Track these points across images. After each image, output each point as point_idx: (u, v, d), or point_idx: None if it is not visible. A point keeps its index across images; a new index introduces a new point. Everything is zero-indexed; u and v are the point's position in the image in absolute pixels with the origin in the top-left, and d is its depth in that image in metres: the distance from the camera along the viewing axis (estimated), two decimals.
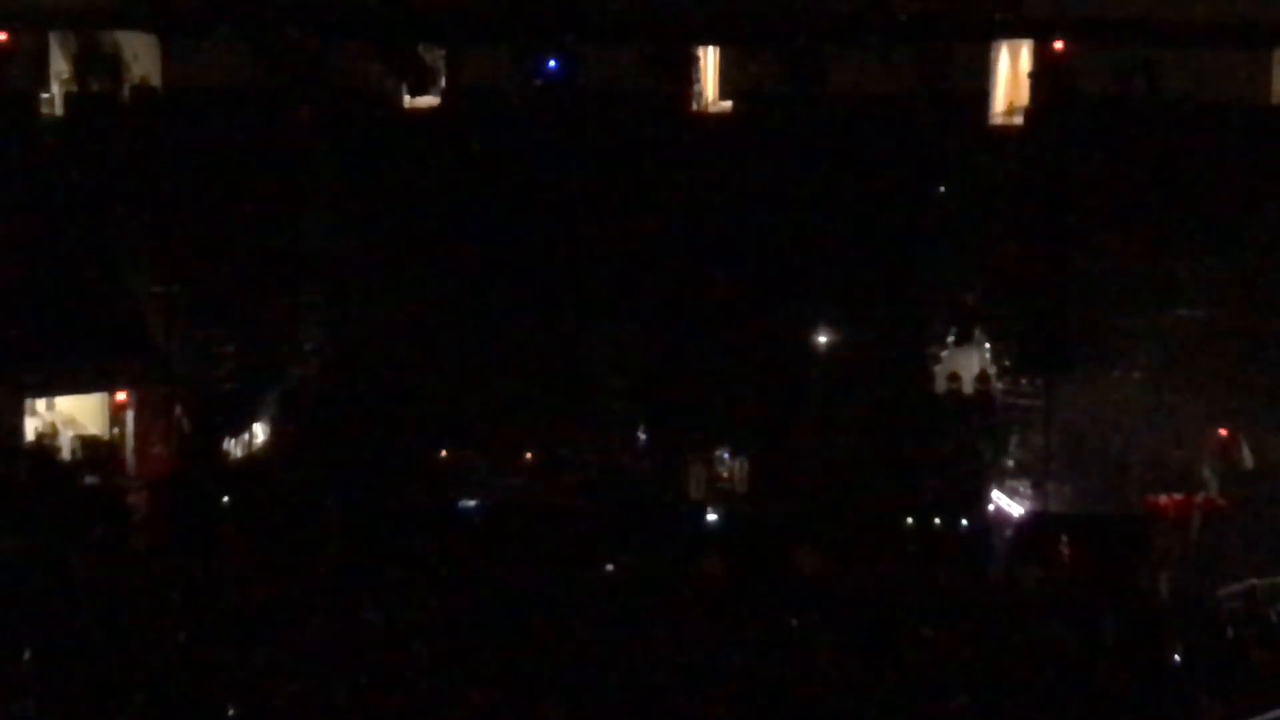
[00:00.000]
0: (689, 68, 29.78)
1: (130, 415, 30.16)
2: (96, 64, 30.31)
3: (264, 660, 20.22)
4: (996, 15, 29.19)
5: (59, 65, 30.59)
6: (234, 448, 30.59)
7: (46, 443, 29.78)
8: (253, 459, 30.57)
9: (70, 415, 30.23)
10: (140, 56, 30.49)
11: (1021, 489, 29.39)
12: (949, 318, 30.47)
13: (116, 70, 30.26)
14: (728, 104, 30.54)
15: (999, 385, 30.31)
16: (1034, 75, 29.36)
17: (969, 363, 30.41)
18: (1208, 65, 28.63)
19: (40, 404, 30.06)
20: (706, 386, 30.27)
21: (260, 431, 30.91)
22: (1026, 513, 28.83)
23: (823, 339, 30.47)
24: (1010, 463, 30.08)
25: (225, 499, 28.02)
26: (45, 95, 30.65)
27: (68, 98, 30.57)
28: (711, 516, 28.42)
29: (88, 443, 29.93)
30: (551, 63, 29.51)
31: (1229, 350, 29.59)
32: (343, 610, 22.12)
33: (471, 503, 28.58)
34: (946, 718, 19.72)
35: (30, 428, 29.82)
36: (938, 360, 30.44)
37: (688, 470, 29.65)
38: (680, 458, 29.74)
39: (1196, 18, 28.24)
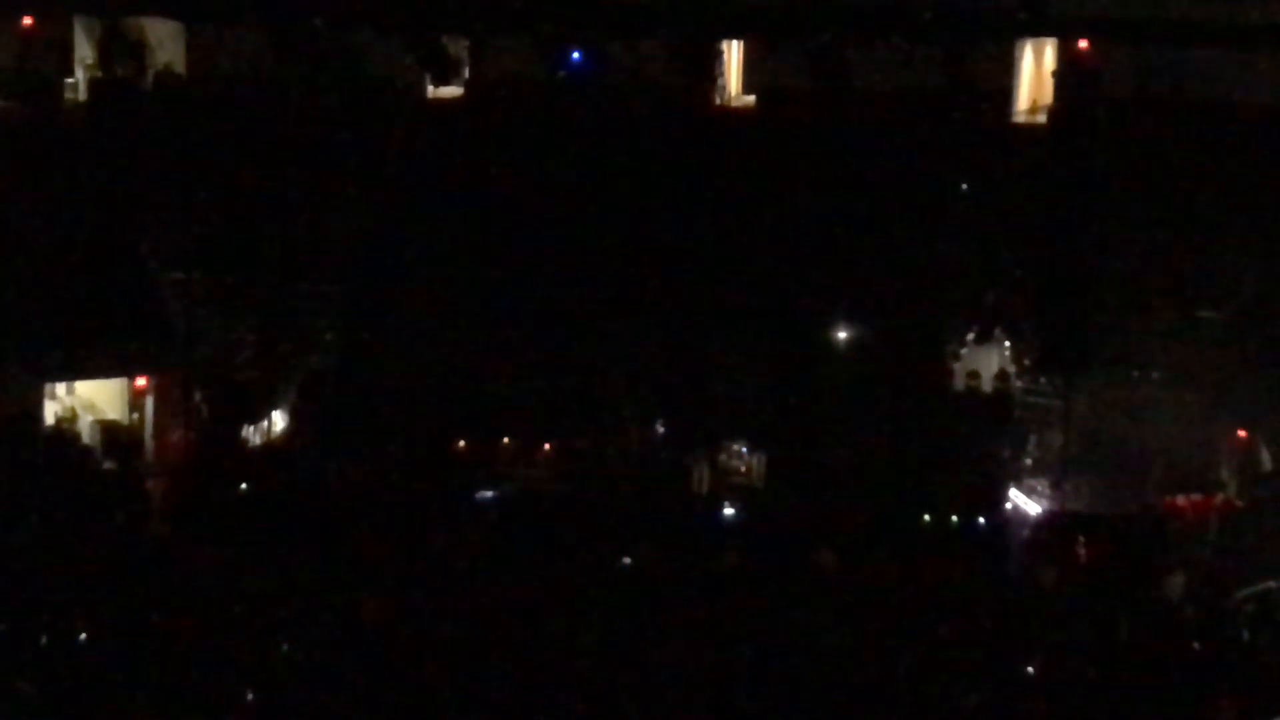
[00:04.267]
0: (712, 62, 29.76)
1: (150, 401, 30.25)
2: (121, 50, 30.31)
3: (280, 648, 20.24)
4: (1021, 14, 29.10)
5: (83, 51, 30.61)
6: (253, 435, 30.66)
7: (65, 427, 29.86)
8: (271, 447, 30.65)
9: (90, 400, 30.31)
10: (165, 43, 30.48)
11: (1039, 488, 29.39)
12: (969, 316, 30.47)
13: (141, 57, 30.27)
14: (751, 99, 30.50)
15: (1018, 384, 30.32)
16: (1058, 74, 29.28)
17: (988, 361, 30.40)
18: (1233, 66, 28.55)
19: (60, 388, 30.15)
20: (725, 381, 30.29)
21: (279, 419, 30.99)
22: (1044, 512, 28.82)
23: (842, 335, 30.50)
24: (1028, 461, 30.09)
25: (243, 486, 28.12)
26: (69, 80, 30.68)
27: (92, 83, 30.61)
28: (728, 511, 28.45)
29: (107, 428, 30.01)
30: (575, 55, 29.50)
31: (1249, 352, 29.55)
32: (358, 599, 22.12)
33: (489, 494, 28.64)
34: (961, 716, 19.71)
35: (50, 412, 29.91)
36: (957, 358, 30.45)
37: (690, 466, 29.74)
38: (698, 452, 29.81)
39: (1222, 18, 28.14)
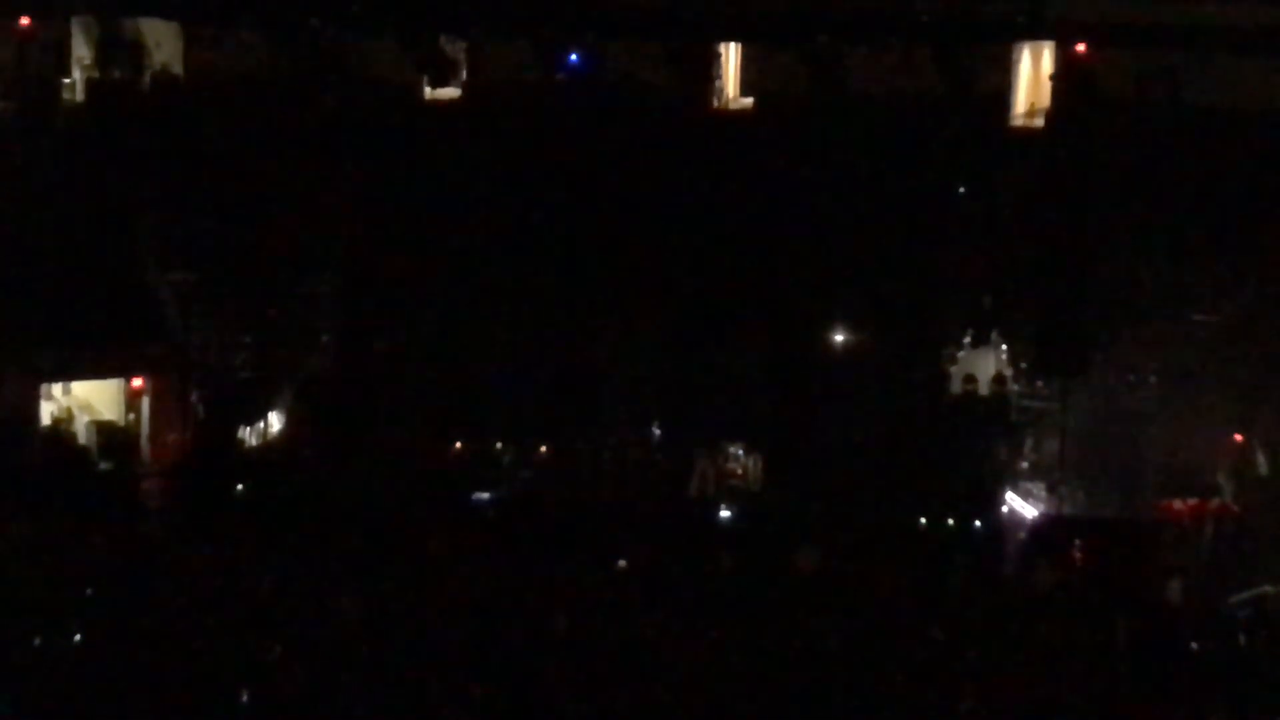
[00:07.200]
0: (710, 65, 29.77)
1: (146, 401, 30.23)
2: (118, 51, 30.34)
3: (276, 649, 20.23)
4: (1019, 17, 29.13)
5: (81, 51, 30.63)
6: (249, 436, 30.65)
7: (62, 428, 29.85)
8: (268, 448, 30.63)
9: (86, 400, 30.30)
10: (162, 44, 30.52)
11: (1036, 492, 29.39)
12: (966, 319, 30.47)
13: (138, 57, 30.30)
14: (748, 101, 30.52)
15: (1015, 388, 30.31)
16: (1055, 78, 29.29)
17: (985, 365, 30.39)
18: (1231, 71, 28.57)
19: (56, 389, 30.14)
20: (722, 383, 30.28)
21: (275, 420, 30.97)
22: (1040, 516, 28.80)
23: (839, 338, 30.49)
24: (1025, 465, 30.08)
25: (239, 487, 28.10)
26: (67, 81, 30.69)
27: (89, 84, 30.61)
28: (724, 513, 28.44)
29: (103, 428, 30.00)
30: (573, 57, 29.52)
31: (1245, 356, 29.55)
32: (353, 600, 22.11)
33: (485, 495, 28.64)
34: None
35: (46, 412, 29.90)
36: (954, 361, 30.45)
37: (691, 467, 29.76)
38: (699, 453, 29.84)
39: (1221, 23, 28.17)
